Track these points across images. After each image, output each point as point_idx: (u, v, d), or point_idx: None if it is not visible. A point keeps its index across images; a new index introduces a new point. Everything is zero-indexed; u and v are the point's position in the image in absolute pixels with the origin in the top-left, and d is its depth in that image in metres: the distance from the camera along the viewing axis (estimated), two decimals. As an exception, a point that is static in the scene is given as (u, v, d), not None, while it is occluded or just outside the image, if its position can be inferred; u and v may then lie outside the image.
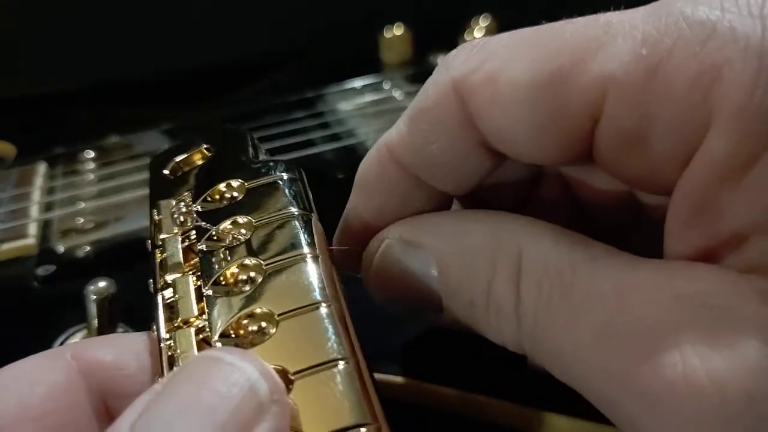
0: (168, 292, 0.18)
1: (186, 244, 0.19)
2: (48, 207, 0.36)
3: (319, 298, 0.16)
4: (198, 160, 0.22)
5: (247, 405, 0.13)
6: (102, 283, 0.26)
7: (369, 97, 0.44)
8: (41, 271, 0.32)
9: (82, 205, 0.36)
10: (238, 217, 0.19)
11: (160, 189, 0.21)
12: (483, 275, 0.17)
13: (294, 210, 0.19)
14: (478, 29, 0.47)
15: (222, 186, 0.20)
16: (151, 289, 0.19)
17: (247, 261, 0.17)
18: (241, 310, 0.16)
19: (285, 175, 0.20)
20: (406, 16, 0.50)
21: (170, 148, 0.23)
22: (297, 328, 0.15)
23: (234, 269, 0.17)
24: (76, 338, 0.27)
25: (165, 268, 0.19)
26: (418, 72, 0.47)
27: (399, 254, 0.19)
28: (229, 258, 0.18)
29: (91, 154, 0.41)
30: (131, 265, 0.31)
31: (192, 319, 0.17)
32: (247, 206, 0.19)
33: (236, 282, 0.17)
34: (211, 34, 0.52)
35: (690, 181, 0.15)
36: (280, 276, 0.17)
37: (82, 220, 0.35)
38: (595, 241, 0.17)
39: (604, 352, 0.15)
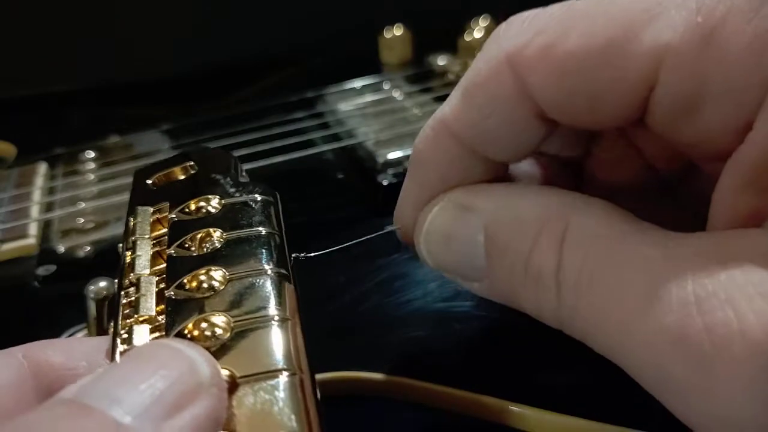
0: (131, 291, 0.19)
1: (156, 249, 0.20)
2: (48, 207, 0.36)
3: (274, 312, 0.17)
4: (180, 174, 0.23)
5: (187, 381, 0.14)
6: (102, 283, 0.26)
7: (369, 98, 0.44)
8: (41, 271, 0.32)
9: (83, 205, 0.36)
10: (210, 229, 0.19)
11: (140, 197, 0.22)
12: (527, 240, 0.17)
13: (264, 229, 0.19)
14: (478, 30, 0.47)
15: (201, 201, 0.21)
16: (115, 287, 0.19)
17: (212, 269, 0.18)
18: (199, 313, 0.17)
19: (260, 197, 0.21)
20: (406, 16, 0.50)
21: (156, 162, 0.24)
22: (251, 336, 0.16)
23: (199, 276, 0.18)
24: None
25: (132, 267, 0.19)
26: (418, 72, 0.47)
27: (451, 216, 0.19)
28: (195, 265, 0.18)
29: (91, 154, 0.41)
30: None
31: (150, 317, 0.17)
32: (220, 221, 0.20)
33: (199, 288, 0.18)
34: (212, 34, 0.52)
35: (752, 145, 0.15)
36: (241, 287, 0.17)
37: (82, 220, 0.35)
38: (643, 220, 0.17)
39: (651, 316, 0.15)
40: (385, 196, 0.34)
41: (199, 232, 0.19)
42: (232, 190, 0.21)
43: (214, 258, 0.18)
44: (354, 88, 0.46)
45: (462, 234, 0.19)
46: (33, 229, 0.34)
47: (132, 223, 0.21)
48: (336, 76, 0.47)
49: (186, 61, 0.50)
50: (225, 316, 0.17)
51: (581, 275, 0.16)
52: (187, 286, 0.18)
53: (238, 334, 0.16)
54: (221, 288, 0.17)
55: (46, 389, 0.17)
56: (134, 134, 0.43)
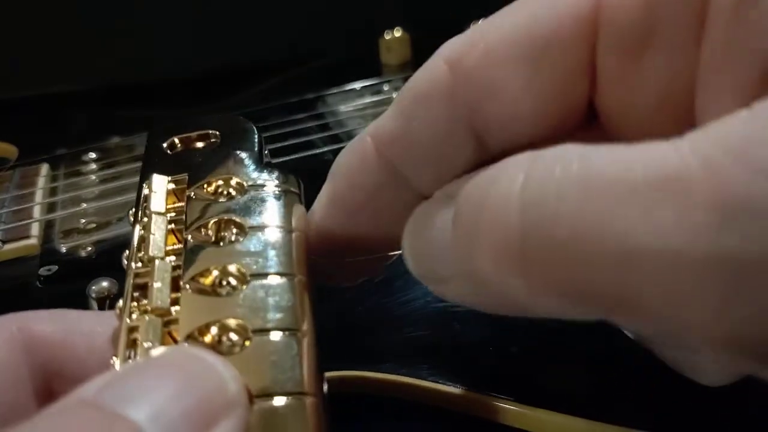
0: (142, 272, 0.17)
1: (171, 226, 0.18)
2: (50, 208, 0.36)
3: (292, 325, 0.16)
4: (199, 142, 0.21)
5: (216, 399, 0.13)
6: (104, 283, 0.26)
7: (369, 99, 0.45)
8: (43, 271, 0.32)
9: (84, 205, 0.36)
10: (232, 217, 0.18)
11: (155, 162, 0.21)
12: (479, 196, 0.14)
13: (288, 225, 0.18)
14: (478, 32, 0.48)
15: (221, 179, 0.19)
16: (124, 265, 0.18)
17: (231, 267, 0.17)
18: (216, 315, 0.16)
19: (286, 187, 0.19)
20: (406, 18, 0.50)
21: (172, 122, 0.22)
22: (265, 350, 0.15)
23: (218, 271, 0.17)
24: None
25: (146, 247, 0.18)
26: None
27: (432, 205, 0.17)
28: (214, 257, 0.17)
29: (93, 155, 0.41)
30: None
31: (163, 309, 0.16)
32: (242, 208, 0.18)
33: (218, 284, 0.17)
34: (213, 36, 0.52)
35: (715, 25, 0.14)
36: (260, 291, 0.16)
37: (84, 221, 0.35)
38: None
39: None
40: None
41: (218, 218, 0.18)
42: (256, 173, 0.19)
43: (233, 252, 0.17)
44: (354, 89, 0.46)
45: (436, 220, 0.16)
46: (35, 229, 0.34)
47: (146, 192, 0.19)
48: (336, 77, 0.47)
49: (187, 63, 0.51)
50: (241, 322, 0.16)
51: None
52: (205, 282, 0.17)
53: (254, 345, 0.15)
54: (239, 288, 0.16)
55: (41, 368, 0.17)
56: (136, 135, 0.43)
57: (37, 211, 0.36)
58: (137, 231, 0.18)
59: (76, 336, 0.17)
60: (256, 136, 0.22)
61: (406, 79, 0.47)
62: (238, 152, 0.20)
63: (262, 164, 0.20)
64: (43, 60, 0.49)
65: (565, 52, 0.16)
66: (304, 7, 0.53)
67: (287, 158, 0.38)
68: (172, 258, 0.18)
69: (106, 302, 0.26)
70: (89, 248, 0.33)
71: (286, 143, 0.40)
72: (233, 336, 0.15)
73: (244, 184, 0.19)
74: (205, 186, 0.19)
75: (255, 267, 0.17)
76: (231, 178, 0.19)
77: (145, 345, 0.16)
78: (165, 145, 0.21)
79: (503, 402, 0.22)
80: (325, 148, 0.40)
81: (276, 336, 0.15)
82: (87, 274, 0.29)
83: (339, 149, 0.39)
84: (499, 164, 0.14)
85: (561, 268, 0.12)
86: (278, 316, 0.16)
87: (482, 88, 0.16)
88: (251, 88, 0.49)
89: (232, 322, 0.16)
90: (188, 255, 0.17)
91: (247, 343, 0.15)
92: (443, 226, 0.15)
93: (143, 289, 0.17)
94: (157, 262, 0.17)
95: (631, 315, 0.12)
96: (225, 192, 0.19)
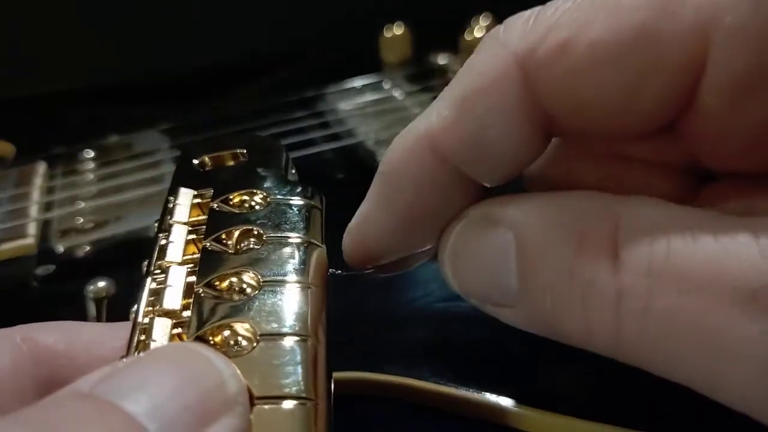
0: (159, 278, 0.18)
1: (192, 237, 0.19)
2: (47, 207, 0.36)
3: (302, 331, 0.16)
4: (229, 160, 0.22)
5: (215, 396, 0.13)
6: (101, 283, 0.26)
7: (369, 97, 0.44)
8: (40, 270, 0.32)
9: (82, 204, 0.36)
10: (250, 228, 0.18)
11: (184, 177, 0.21)
12: (568, 244, 0.15)
13: (306, 238, 0.19)
14: (479, 29, 0.47)
15: (245, 194, 0.20)
16: (144, 271, 0.18)
17: (246, 272, 0.17)
18: (225, 318, 0.16)
19: (308, 201, 0.20)
20: (406, 15, 0.50)
21: (206, 141, 0.23)
22: (274, 354, 0.15)
23: (232, 277, 0.17)
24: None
25: (164, 254, 0.18)
26: (419, 71, 0.47)
27: (478, 230, 0.17)
28: (230, 264, 0.17)
29: (90, 153, 0.41)
30: (131, 265, 0.30)
31: (174, 311, 0.17)
32: (263, 220, 0.19)
33: (229, 289, 0.17)
34: (211, 33, 0.52)
35: None
36: (273, 298, 0.17)
37: (81, 220, 0.35)
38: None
39: None
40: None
41: (238, 229, 0.18)
42: (279, 188, 0.20)
43: (249, 260, 0.18)
44: (354, 87, 0.46)
45: (491, 249, 0.16)
46: (32, 228, 0.34)
47: (171, 204, 0.20)
48: (336, 75, 0.47)
49: (186, 61, 0.50)
50: (251, 326, 0.16)
51: (652, 270, 0.13)
52: (218, 286, 0.17)
53: (261, 347, 0.15)
54: (252, 294, 0.17)
55: (47, 377, 0.17)
56: (134, 134, 0.43)
57: (34, 211, 0.36)
58: (159, 240, 0.19)
59: (80, 346, 0.17)
60: (283, 154, 0.22)
61: (406, 77, 0.48)
62: (263, 169, 0.21)
63: (287, 180, 0.21)
64: (40, 59, 0.49)
65: (666, 70, 0.15)
66: (303, 3, 0.53)
67: (286, 156, 0.38)
68: (190, 265, 0.18)
69: (104, 302, 0.26)
70: (87, 248, 0.33)
71: (285, 141, 0.40)
72: (242, 339, 0.16)
73: (268, 198, 0.20)
74: (229, 199, 0.20)
75: (270, 274, 0.17)
76: (255, 193, 0.20)
77: (152, 345, 0.16)
78: (196, 162, 0.22)
79: (504, 403, 0.22)
80: (325, 146, 0.40)
81: (285, 341, 0.16)
82: (84, 274, 0.29)
83: (339, 147, 0.40)
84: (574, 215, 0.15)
85: (652, 346, 0.14)
86: (288, 321, 0.16)
87: (560, 86, 0.15)
88: (251, 86, 0.49)
89: (241, 326, 0.16)
90: (205, 262, 0.18)
91: (256, 346, 0.15)
92: (499, 253, 0.16)
93: (158, 295, 0.17)
94: (172, 267, 0.18)
95: (715, 396, 0.14)
96: (248, 205, 0.19)
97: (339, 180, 0.37)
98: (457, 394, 0.23)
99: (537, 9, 0.16)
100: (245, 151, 0.22)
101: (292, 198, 0.20)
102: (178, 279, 0.17)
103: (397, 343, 0.25)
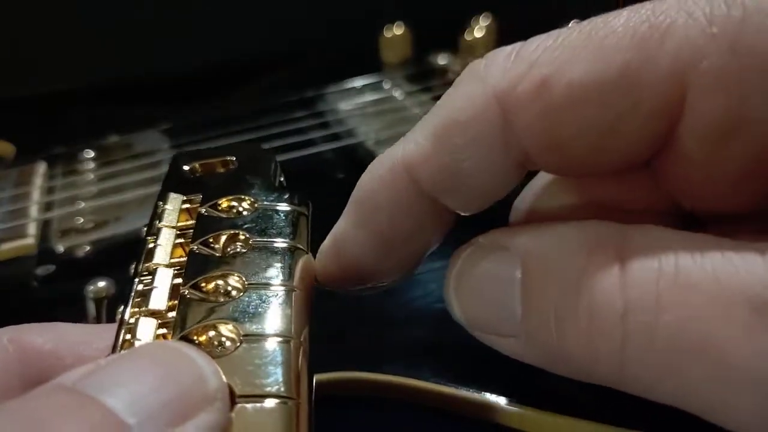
0: (146, 280, 0.18)
1: (180, 240, 0.19)
2: (47, 207, 0.36)
3: (285, 332, 0.16)
4: (219, 168, 0.23)
5: (194, 391, 0.14)
6: (101, 283, 0.26)
7: (369, 97, 0.44)
8: (41, 270, 0.32)
9: (82, 204, 0.36)
10: (237, 232, 0.19)
11: (174, 183, 0.22)
12: (572, 268, 0.15)
13: (292, 243, 0.19)
14: (478, 29, 0.47)
15: (233, 199, 0.20)
16: (131, 273, 0.19)
17: (231, 275, 0.18)
18: (209, 318, 0.16)
19: (295, 208, 0.20)
20: (406, 15, 0.50)
21: (197, 150, 0.24)
22: (256, 353, 0.16)
23: (217, 279, 0.17)
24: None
25: (151, 256, 0.19)
26: (418, 71, 0.47)
27: (483, 258, 0.17)
28: (215, 266, 0.18)
29: (90, 153, 0.41)
30: (131, 266, 0.31)
31: (159, 312, 0.17)
32: (250, 225, 0.19)
33: (215, 291, 0.17)
34: (211, 33, 0.52)
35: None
36: (257, 300, 0.17)
37: (81, 220, 0.35)
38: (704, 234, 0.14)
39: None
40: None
41: (225, 233, 0.19)
42: (266, 194, 0.20)
43: (235, 263, 0.18)
44: (354, 87, 0.46)
45: (495, 276, 0.16)
46: (32, 228, 0.34)
47: (160, 209, 0.20)
48: (336, 75, 0.47)
49: (186, 60, 0.50)
50: (234, 327, 0.16)
51: (659, 300, 0.13)
52: (204, 288, 0.17)
53: (245, 348, 0.16)
54: (237, 296, 0.17)
55: (35, 378, 0.17)
56: (134, 134, 0.43)
57: (34, 210, 0.36)
58: (148, 243, 0.19)
59: (67, 346, 0.18)
60: (272, 162, 0.23)
61: (406, 77, 0.48)
62: (252, 176, 0.21)
63: (275, 187, 0.21)
64: (40, 59, 0.49)
65: (644, 113, 0.15)
66: (303, 3, 0.53)
67: (287, 156, 0.38)
68: (177, 268, 0.18)
69: (104, 302, 0.26)
70: (87, 248, 0.33)
71: (285, 141, 0.40)
72: (225, 340, 0.16)
73: (255, 203, 0.20)
74: (218, 204, 0.20)
75: (255, 277, 0.17)
76: (243, 198, 0.20)
77: (137, 345, 0.16)
78: (186, 168, 0.22)
79: (504, 403, 0.22)
80: (325, 146, 0.40)
81: (268, 342, 0.16)
82: (84, 274, 0.29)
83: (339, 147, 0.40)
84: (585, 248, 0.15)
85: (657, 364, 0.14)
86: (271, 323, 0.16)
87: (538, 123, 0.15)
88: (250, 86, 0.49)
89: (225, 327, 0.16)
90: (191, 264, 0.18)
91: (239, 347, 0.16)
92: (504, 279, 0.16)
93: (145, 296, 0.18)
94: (159, 269, 0.18)
95: (716, 419, 0.14)
96: (235, 210, 0.20)
97: (339, 180, 0.37)
98: (457, 394, 0.23)
99: (519, 44, 0.16)
100: (234, 158, 0.23)
101: (279, 204, 0.20)
102: (164, 281, 0.18)
103: (397, 343, 0.25)
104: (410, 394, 0.24)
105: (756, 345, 0.12)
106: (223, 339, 0.16)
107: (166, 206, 0.20)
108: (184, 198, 0.21)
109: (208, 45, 0.52)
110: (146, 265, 0.18)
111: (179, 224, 0.20)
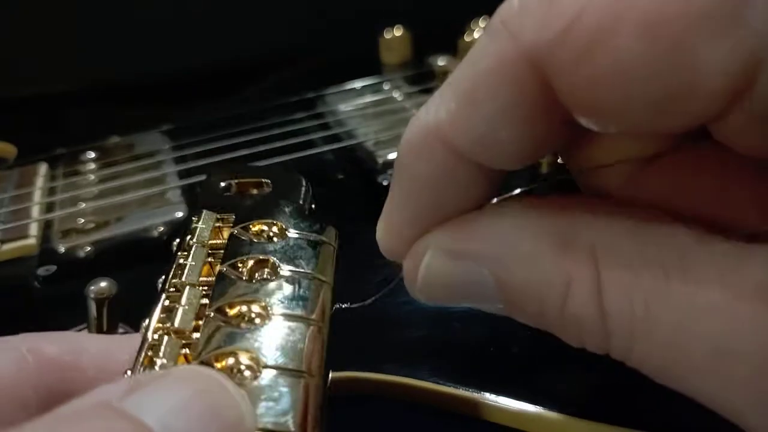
0: (173, 296, 0.18)
1: (210, 260, 0.20)
2: (49, 207, 0.36)
3: (303, 368, 0.17)
4: (253, 188, 0.23)
5: (234, 430, 0.14)
6: (102, 284, 0.26)
7: (369, 98, 0.44)
8: (42, 271, 0.32)
9: (83, 205, 0.36)
10: (266, 258, 0.19)
11: (209, 199, 0.22)
12: (554, 289, 0.15)
13: (319, 276, 0.19)
14: (478, 30, 0.47)
15: (264, 224, 0.21)
16: (159, 287, 0.19)
17: (257, 303, 0.18)
18: (231, 344, 0.17)
19: (325, 239, 0.21)
20: (406, 17, 0.50)
21: (233, 166, 0.24)
22: (269, 387, 0.16)
23: (243, 306, 0.18)
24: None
25: (181, 273, 0.19)
26: (418, 73, 0.47)
27: (444, 265, 0.17)
28: (242, 292, 0.18)
29: (92, 154, 0.41)
30: (132, 266, 0.31)
31: (183, 332, 0.17)
32: (280, 252, 0.20)
33: (239, 316, 0.17)
34: (212, 34, 0.52)
35: None
36: (278, 331, 0.17)
37: (82, 221, 0.35)
38: (681, 228, 0.14)
39: (722, 366, 0.13)
40: (385, 196, 0.34)
41: (254, 258, 0.19)
42: (297, 222, 0.21)
43: (262, 290, 0.18)
44: (354, 88, 0.46)
45: (463, 281, 0.16)
46: (33, 229, 0.34)
47: (194, 225, 0.21)
48: (336, 76, 0.47)
49: (187, 62, 0.50)
50: (254, 357, 0.16)
51: (633, 324, 0.14)
52: (228, 312, 0.18)
53: (261, 380, 0.16)
54: (260, 324, 0.17)
55: (53, 389, 0.17)
56: (135, 135, 0.43)
57: (35, 211, 0.36)
58: (178, 258, 0.20)
59: (86, 357, 0.18)
60: (304, 189, 0.23)
61: (406, 78, 0.48)
62: (285, 201, 0.22)
63: (305, 215, 0.22)
64: (41, 59, 0.49)
65: (704, 74, 0.13)
66: (303, 5, 0.53)
67: (287, 158, 0.38)
68: (205, 288, 0.19)
69: (105, 303, 0.26)
70: (88, 248, 0.33)
71: (285, 142, 0.40)
72: (244, 368, 0.16)
73: (285, 230, 0.20)
74: (249, 227, 0.20)
75: (278, 307, 0.18)
76: (274, 224, 0.21)
77: (159, 363, 0.16)
78: (222, 185, 0.23)
79: (503, 403, 0.22)
80: (325, 148, 0.40)
81: (283, 375, 0.16)
82: (86, 275, 0.29)
83: (339, 148, 0.40)
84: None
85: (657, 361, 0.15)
86: (290, 356, 0.17)
87: (582, 91, 0.13)
88: (250, 87, 0.49)
89: (245, 355, 0.16)
90: (219, 286, 0.18)
91: (256, 377, 0.16)
92: (474, 284, 0.16)
93: (170, 312, 0.18)
94: (188, 288, 0.18)
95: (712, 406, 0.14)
96: (266, 235, 0.20)
97: (339, 181, 0.37)
98: (457, 394, 0.23)
99: None
100: (270, 181, 0.23)
101: (308, 233, 0.20)
102: (191, 300, 0.18)
103: (397, 343, 0.25)
104: (410, 394, 0.24)
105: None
106: (242, 367, 0.16)
107: (200, 224, 0.21)
108: (217, 216, 0.21)
109: (208, 47, 0.52)
110: (174, 281, 0.19)
111: (210, 242, 0.20)
